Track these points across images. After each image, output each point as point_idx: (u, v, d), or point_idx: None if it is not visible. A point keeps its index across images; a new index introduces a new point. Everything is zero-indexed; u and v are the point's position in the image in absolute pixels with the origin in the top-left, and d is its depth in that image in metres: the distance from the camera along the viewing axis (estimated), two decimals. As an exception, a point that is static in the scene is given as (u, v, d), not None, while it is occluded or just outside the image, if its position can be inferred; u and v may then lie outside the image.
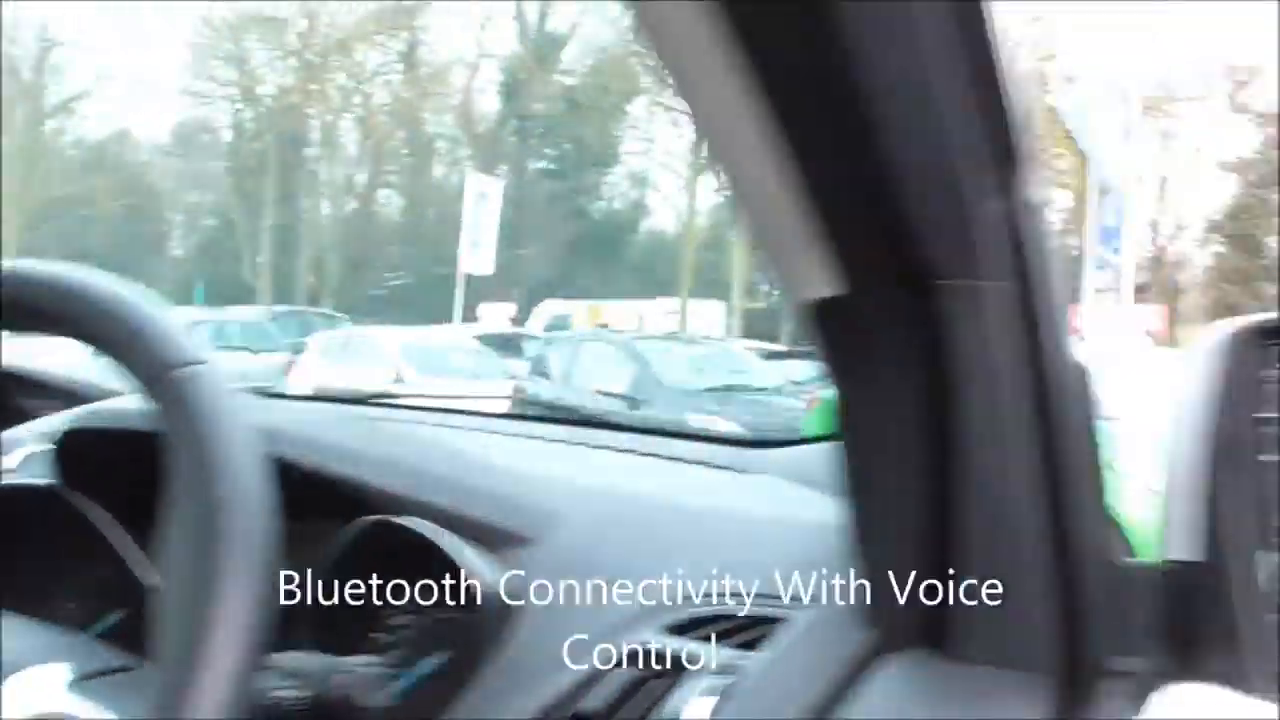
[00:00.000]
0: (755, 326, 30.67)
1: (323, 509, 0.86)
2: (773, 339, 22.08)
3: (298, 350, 16.24)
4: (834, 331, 0.62)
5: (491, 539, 0.88)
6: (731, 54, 0.48)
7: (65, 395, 1.36)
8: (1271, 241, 40.27)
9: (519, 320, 26.06)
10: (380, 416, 1.31)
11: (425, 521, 0.85)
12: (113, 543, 0.95)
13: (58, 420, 1.16)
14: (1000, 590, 0.59)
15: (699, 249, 38.64)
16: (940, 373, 0.59)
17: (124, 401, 1.14)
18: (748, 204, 0.57)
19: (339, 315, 27.42)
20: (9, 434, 1.19)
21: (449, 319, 20.63)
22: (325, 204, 41.04)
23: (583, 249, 37.25)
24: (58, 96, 40.76)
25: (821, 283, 0.59)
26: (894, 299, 0.59)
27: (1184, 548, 0.61)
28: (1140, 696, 0.60)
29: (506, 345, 16.04)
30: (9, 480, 1.07)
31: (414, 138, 40.90)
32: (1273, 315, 0.67)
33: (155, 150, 46.28)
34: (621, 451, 1.16)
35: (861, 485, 0.63)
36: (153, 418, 0.66)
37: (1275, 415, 0.62)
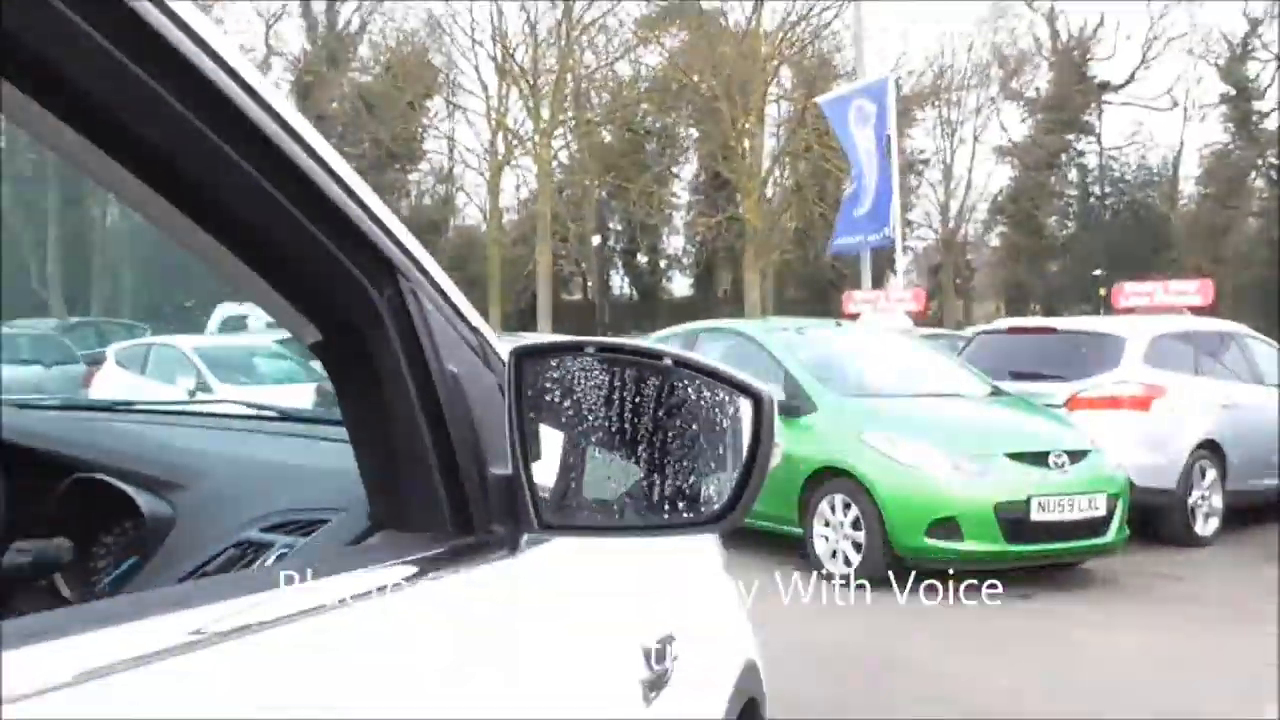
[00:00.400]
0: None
1: (46, 473, 1.38)
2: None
3: (95, 361, 15.84)
4: (324, 360, 1.06)
5: (160, 486, 1.44)
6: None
7: None
8: (1051, 222, 42.98)
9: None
10: (107, 418, 1.80)
11: (113, 478, 1.40)
12: None
13: None
14: (416, 493, 1.06)
15: (509, 243, 38.88)
16: (377, 386, 1.04)
17: None
18: (234, 282, 0.97)
19: (138, 324, 26.56)
20: None
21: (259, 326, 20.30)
22: (115, 210, 39.31)
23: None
24: None
25: (307, 332, 1.04)
26: (347, 341, 1.03)
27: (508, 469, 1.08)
28: (507, 543, 1.10)
29: (312, 348, 15.96)
30: None
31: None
32: (552, 339, 1.13)
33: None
34: (276, 435, 1.73)
35: (357, 443, 1.09)
36: None
37: (556, 403, 1.07)
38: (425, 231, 40.43)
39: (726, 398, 1.04)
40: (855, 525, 7.03)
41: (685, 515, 1.04)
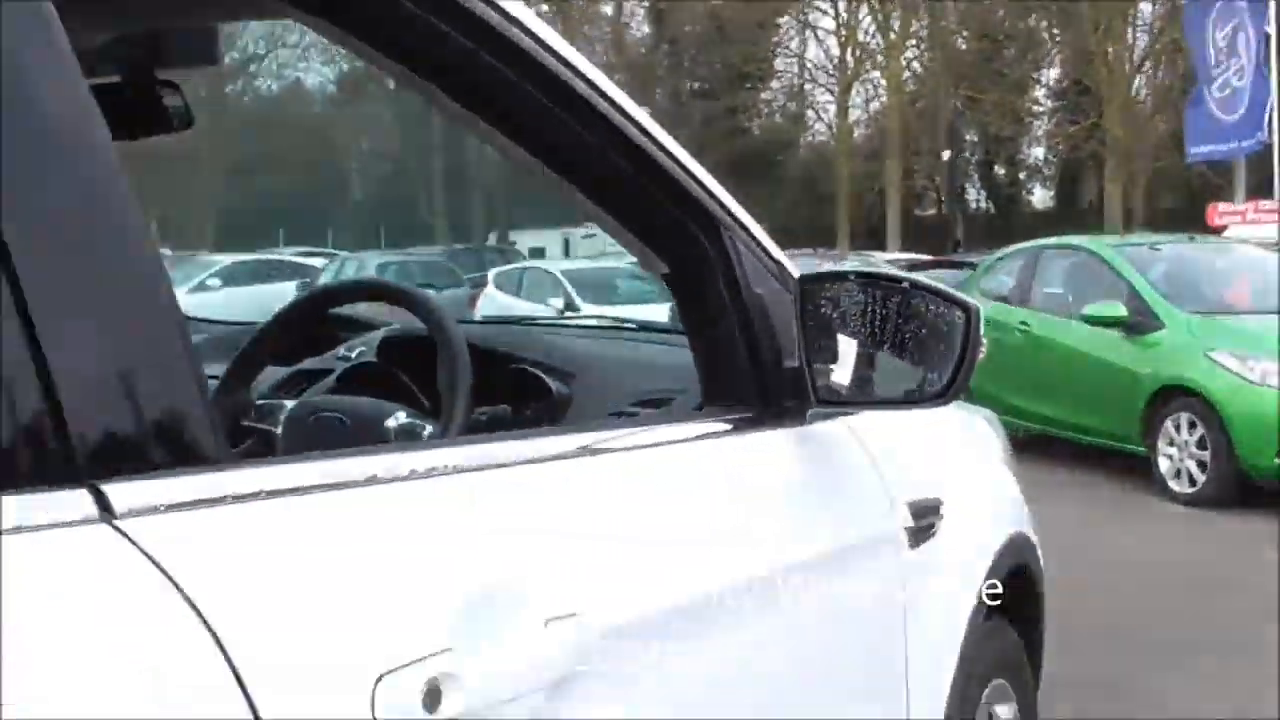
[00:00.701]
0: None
1: (488, 364, 1.91)
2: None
3: (478, 285, 17.57)
4: (670, 286, 1.53)
5: (563, 375, 1.92)
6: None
7: (368, 326, 2.37)
8: None
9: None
10: (517, 329, 2.50)
11: (531, 367, 1.93)
12: (409, 384, 1.96)
13: (373, 335, 2.18)
14: (733, 379, 1.52)
15: (859, 159, 38.59)
16: (707, 304, 1.50)
17: (399, 326, 2.16)
18: (604, 229, 1.48)
19: (510, 249, 28.79)
20: (350, 343, 2.22)
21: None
22: (488, 148, 42.06)
23: (744, 167, 37.16)
24: (234, 61, 43.11)
25: (658, 266, 1.51)
26: (688, 274, 1.50)
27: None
28: (798, 414, 1.53)
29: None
30: (356, 362, 2.08)
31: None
32: (825, 269, 1.54)
33: (326, 102, 48.53)
34: (634, 342, 2.28)
35: (693, 345, 1.54)
36: (426, 329, 1.69)
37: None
38: (775, 150, 40.82)
39: (946, 310, 1.44)
40: (1201, 445, 6.91)
41: (917, 394, 1.46)
